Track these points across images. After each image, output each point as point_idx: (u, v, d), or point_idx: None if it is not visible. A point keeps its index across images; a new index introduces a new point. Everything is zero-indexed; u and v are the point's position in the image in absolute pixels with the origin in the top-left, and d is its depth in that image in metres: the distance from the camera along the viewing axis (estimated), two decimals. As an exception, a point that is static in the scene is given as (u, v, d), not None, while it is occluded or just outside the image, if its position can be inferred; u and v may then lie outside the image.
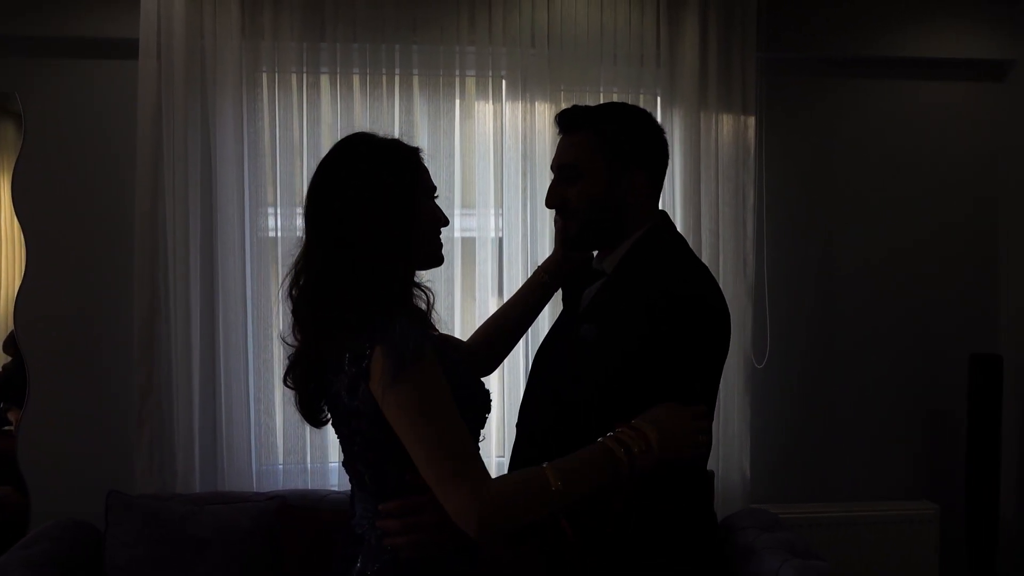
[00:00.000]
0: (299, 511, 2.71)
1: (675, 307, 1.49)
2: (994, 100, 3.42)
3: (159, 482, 2.86)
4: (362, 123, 2.97)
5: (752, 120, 3.08)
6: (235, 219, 2.88)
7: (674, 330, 1.48)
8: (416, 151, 1.54)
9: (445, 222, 1.57)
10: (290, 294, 1.52)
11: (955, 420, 3.37)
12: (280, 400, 2.94)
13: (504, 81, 3.03)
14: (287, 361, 1.54)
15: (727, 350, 1.62)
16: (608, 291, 1.64)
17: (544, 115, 3.00)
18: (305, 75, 2.95)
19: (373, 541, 1.50)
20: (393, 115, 2.99)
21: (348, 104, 2.97)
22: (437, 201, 1.57)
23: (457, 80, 3.03)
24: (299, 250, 1.52)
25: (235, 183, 2.89)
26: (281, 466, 2.97)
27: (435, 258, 1.56)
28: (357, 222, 1.44)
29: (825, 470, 3.38)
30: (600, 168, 1.64)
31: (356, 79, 2.97)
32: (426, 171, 1.55)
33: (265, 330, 2.91)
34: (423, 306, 1.53)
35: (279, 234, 2.92)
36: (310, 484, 2.95)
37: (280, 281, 2.90)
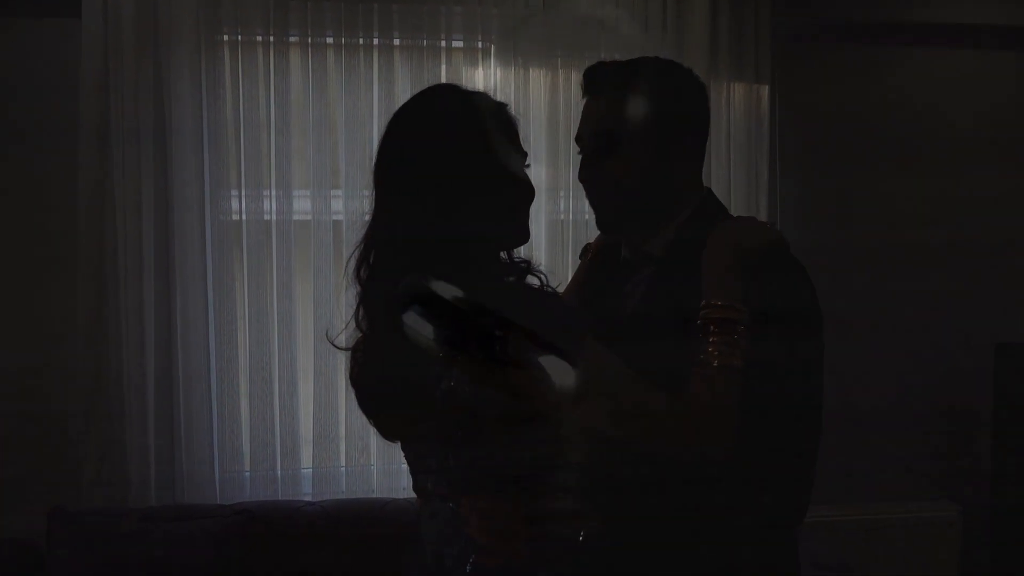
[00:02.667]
0: (270, 526, 2.52)
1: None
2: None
3: (109, 495, 2.64)
4: (337, 95, 2.78)
5: (766, 90, 2.91)
6: (193, 202, 2.67)
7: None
8: (504, 106, 1.35)
9: (533, 192, 1.38)
10: (357, 274, 1.38)
11: (977, 414, 3.17)
12: (246, 401, 2.75)
13: (494, 47, 2.84)
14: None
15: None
16: (669, 280, 1.39)
17: (541, 84, 2.81)
18: (272, 40, 2.73)
19: None
20: (372, 86, 2.79)
21: (321, 75, 2.76)
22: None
23: (443, 46, 2.83)
24: (367, 223, 1.38)
25: (193, 162, 2.68)
26: (248, 473, 2.78)
27: (521, 234, 1.36)
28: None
29: (837, 468, 3.12)
30: (642, 135, 1.38)
31: (330, 50, 2.77)
32: (516, 132, 1.36)
33: (229, 324, 2.72)
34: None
35: (243, 217, 2.72)
36: (280, 494, 2.76)
37: (245, 269, 2.76)
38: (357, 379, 1.36)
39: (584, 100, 1.45)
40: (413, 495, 1.37)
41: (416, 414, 1.30)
